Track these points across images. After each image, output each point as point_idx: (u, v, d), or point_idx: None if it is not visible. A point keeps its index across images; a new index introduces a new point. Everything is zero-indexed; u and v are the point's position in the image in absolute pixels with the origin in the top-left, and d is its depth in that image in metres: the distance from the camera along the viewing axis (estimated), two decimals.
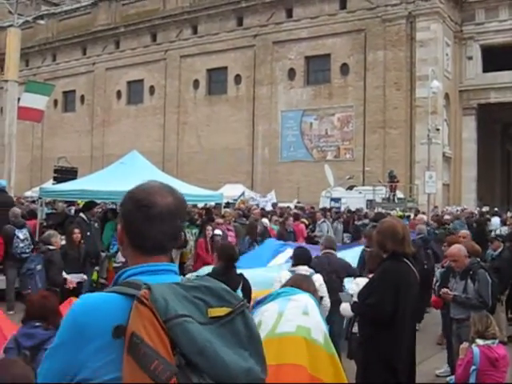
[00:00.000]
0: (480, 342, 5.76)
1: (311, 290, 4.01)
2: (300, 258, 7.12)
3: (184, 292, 1.86)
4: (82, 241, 10.99)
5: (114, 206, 16.13)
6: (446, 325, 7.93)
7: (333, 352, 3.56)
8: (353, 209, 24.76)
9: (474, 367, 5.70)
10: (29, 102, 21.89)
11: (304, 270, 6.65)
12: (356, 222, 19.76)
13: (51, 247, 9.52)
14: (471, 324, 5.93)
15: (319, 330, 3.49)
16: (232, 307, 1.87)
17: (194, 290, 1.88)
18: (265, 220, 16.84)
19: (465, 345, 5.96)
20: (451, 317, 7.28)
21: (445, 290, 7.14)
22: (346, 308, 6.01)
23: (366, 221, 19.07)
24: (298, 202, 31.79)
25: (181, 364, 1.72)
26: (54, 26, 57.16)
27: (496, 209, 31.55)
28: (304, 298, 3.66)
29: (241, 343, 1.84)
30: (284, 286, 4.20)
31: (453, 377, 6.23)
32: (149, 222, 2.00)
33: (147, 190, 2.03)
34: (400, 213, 24.05)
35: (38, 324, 4.51)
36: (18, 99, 23.81)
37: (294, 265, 7.08)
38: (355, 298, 5.47)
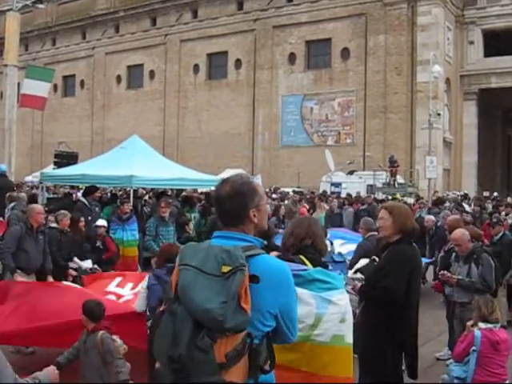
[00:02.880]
0: (482, 325, 5.79)
1: (318, 233, 3.93)
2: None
3: (217, 252, 2.67)
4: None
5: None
6: (449, 308, 7.95)
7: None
8: (353, 194, 24.70)
9: (474, 348, 5.74)
10: (31, 89, 21.81)
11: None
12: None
13: (53, 225, 9.57)
14: (475, 308, 5.96)
15: (350, 330, 3.52)
16: (232, 267, 2.59)
17: (223, 252, 2.66)
18: None
19: (471, 322, 5.99)
20: (454, 300, 7.31)
21: (447, 273, 7.16)
22: None
23: (365, 206, 19.11)
24: (296, 189, 31.80)
25: (175, 295, 2.64)
26: (54, 10, 56.86)
27: (495, 193, 31.52)
28: (344, 300, 3.52)
29: (224, 292, 2.56)
30: (294, 228, 4.07)
31: (452, 360, 6.26)
32: (215, 205, 3.06)
33: (220, 181, 3.04)
34: (399, 196, 24.04)
35: (169, 265, 5.74)
36: (18, 84, 23.76)
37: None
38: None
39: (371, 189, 29.35)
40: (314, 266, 3.68)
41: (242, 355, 2.59)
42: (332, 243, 9.53)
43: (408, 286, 4.85)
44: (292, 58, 44.42)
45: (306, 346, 3.41)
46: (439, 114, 35.65)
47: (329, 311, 3.41)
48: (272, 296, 2.72)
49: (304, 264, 3.72)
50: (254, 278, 2.63)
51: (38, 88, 21.79)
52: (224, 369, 2.55)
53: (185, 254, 2.74)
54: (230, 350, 2.55)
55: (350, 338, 3.51)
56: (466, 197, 27.05)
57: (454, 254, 7.77)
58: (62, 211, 9.96)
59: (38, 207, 8.85)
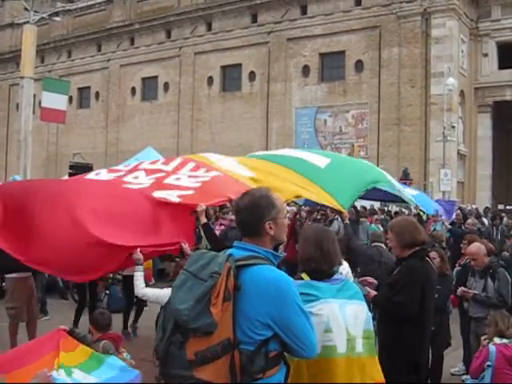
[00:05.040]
0: (497, 340, 5.74)
1: (329, 251, 3.69)
2: None
3: (219, 260, 2.87)
4: None
5: None
6: (464, 323, 7.89)
7: (358, 353, 3.45)
8: (367, 206, 24.52)
9: (489, 363, 5.69)
10: (50, 102, 22.02)
11: None
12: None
13: None
14: (491, 323, 5.91)
15: (343, 339, 3.39)
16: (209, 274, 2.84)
17: (218, 260, 2.89)
18: None
19: (485, 337, 5.95)
20: (470, 315, 7.26)
21: (464, 288, 7.12)
22: None
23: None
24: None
25: None
26: (70, 23, 57.34)
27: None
28: (326, 310, 3.40)
29: (197, 295, 2.79)
30: (303, 244, 3.83)
31: (468, 376, 6.21)
32: (235, 216, 3.28)
33: (242, 193, 3.17)
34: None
35: None
36: (34, 95, 23.91)
37: None
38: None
39: (384, 202, 29.16)
40: (312, 277, 3.59)
41: (217, 357, 2.73)
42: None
43: (421, 302, 4.83)
44: (306, 70, 44.45)
45: (301, 362, 3.31)
46: (453, 127, 35.57)
47: (311, 321, 3.34)
48: (260, 305, 2.79)
49: (301, 278, 3.63)
50: (236, 286, 2.79)
51: (56, 101, 21.99)
52: (194, 365, 2.73)
53: (190, 260, 3.02)
54: (201, 349, 2.73)
55: (342, 348, 3.38)
56: (485, 211, 26.70)
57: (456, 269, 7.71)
58: None
59: None
